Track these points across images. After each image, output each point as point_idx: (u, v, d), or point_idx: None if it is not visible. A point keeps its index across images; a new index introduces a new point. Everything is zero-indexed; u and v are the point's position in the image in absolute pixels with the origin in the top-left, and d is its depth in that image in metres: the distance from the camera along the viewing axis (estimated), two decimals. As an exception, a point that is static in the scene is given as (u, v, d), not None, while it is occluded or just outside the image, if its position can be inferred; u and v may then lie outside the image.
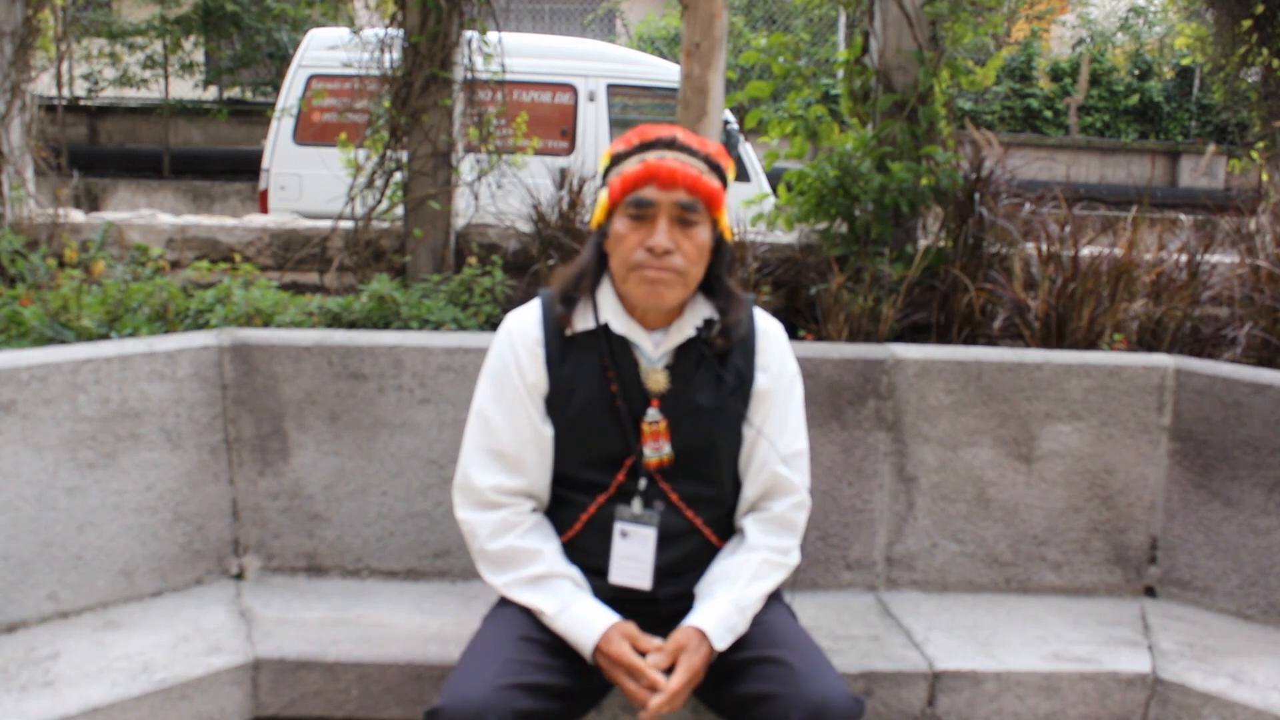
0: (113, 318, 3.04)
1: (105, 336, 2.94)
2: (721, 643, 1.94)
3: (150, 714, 2.14)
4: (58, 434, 2.41)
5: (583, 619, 1.95)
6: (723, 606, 1.97)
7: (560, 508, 2.07)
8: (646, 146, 1.97)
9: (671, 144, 1.97)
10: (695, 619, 1.96)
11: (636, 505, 2.01)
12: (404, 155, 3.86)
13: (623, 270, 1.97)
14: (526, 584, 1.99)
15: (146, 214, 4.21)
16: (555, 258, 3.58)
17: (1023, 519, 2.77)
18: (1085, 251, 3.30)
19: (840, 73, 4.13)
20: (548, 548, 2.02)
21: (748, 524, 2.08)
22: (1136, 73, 14.10)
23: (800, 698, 1.84)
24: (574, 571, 2.02)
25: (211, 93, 12.10)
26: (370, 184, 3.89)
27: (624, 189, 1.95)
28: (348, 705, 2.28)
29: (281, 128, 6.80)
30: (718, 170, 1.99)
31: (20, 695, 2.09)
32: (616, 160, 2.00)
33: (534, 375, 2.03)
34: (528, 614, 2.03)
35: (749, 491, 2.08)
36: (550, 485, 2.07)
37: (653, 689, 1.89)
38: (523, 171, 4.09)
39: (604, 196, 2.01)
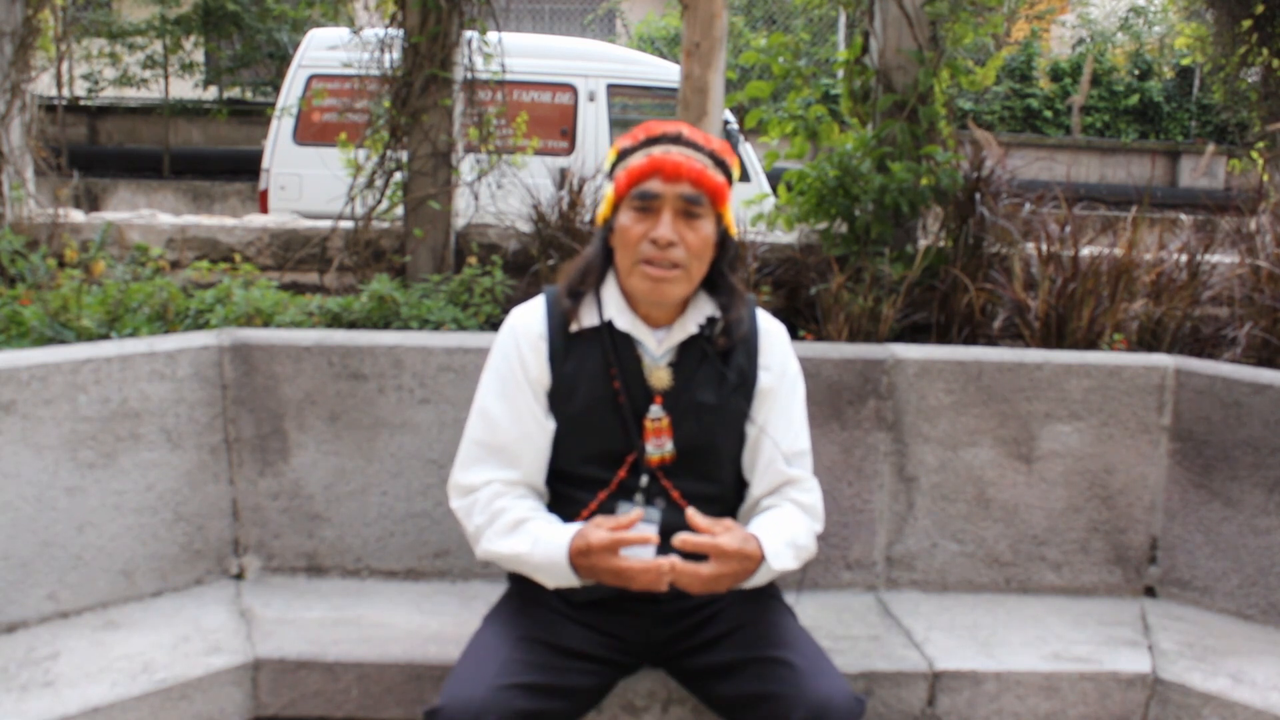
0: (113, 318, 3.04)
1: (105, 336, 2.94)
2: (775, 559, 1.91)
3: (150, 714, 2.14)
4: (58, 434, 2.41)
5: (549, 539, 1.91)
6: (773, 538, 1.95)
7: (561, 504, 2.07)
8: (652, 141, 1.99)
9: (677, 139, 1.98)
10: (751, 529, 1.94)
11: (638, 502, 2.01)
12: (404, 155, 3.86)
13: (628, 263, 1.98)
14: (502, 532, 1.97)
15: (146, 214, 4.21)
16: (555, 258, 3.58)
17: (1023, 519, 2.77)
18: (1085, 251, 3.30)
19: (840, 73, 4.13)
20: (528, 503, 2.00)
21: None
22: (1136, 73, 14.10)
23: (802, 698, 1.84)
24: (551, 517, 1.99)
25: (211, 93, 12.10)
26: (370, 184, 3.89)
27: (629, 182, 1.97)
28: (348, 705, 2.27)
29: (281, 128, 6.80)
30: (722, 166, 2.01)
31: (20, 695, 2.09)
32: (622, 155, 2.02)
33: (537, 370, 2.03)
34: (528, 614, 2.04)
35: (756, 490, 2.08)
36: (547, 482, 2.07)
37: (656, 570, 1.83)
38: (523, 171, 4.09)
39: (610, 191, 2.02)
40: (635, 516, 1.88)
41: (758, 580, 1.94)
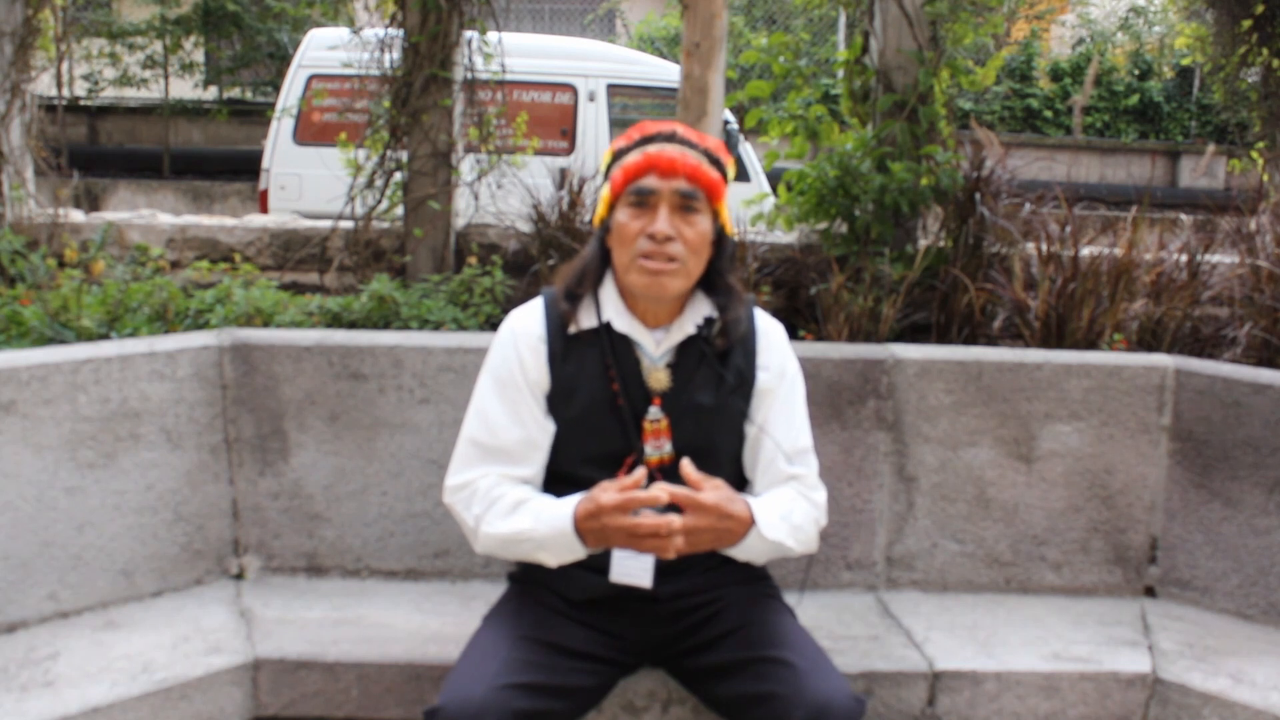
0: (113, 318, 3.04)
1: (105, 336, 2.94)
2: (768, 527, 1.92)
3: (150, 714, 2.14)
4: (58, 434, 2.41)
5: (552, 511, 1.92)
6: (767, 509, 1.96)
7: (559, 506, 2.07)
8: (647, 140, 2.00)
9: (672, 137, 1.99)
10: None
11: None
12: (404, 155, 3.86)
13: (625, 260, 1.98)
14: (502, 514, 1.97)
15: (146, 214, 4.21)
16: (555, 258, 3.58)
17: (1023, 519, 2.77)
18: (1085, 251, 3.30)
19: (840, 73, 4.14)
20: (527, 489, 2.01)
21: None
22: (1136, 73, 14.10)
23: (802, 698, 1.84)
24: (550, 497, 1.99)
25: (211, 93, 12.11)
26: (370, 184, 3.89)
27: (625, 180, 1.97)
28: (348, 705, 2.27)
29: (281, 128, 6.80)
30: (718, 164, 2.01)
31: (20, 695, 2.09)
32: (618, 156, 2.03)
33: (536, 373, 2.03)
34: (528, 613, 2.04)
35: (758, 489, 2.08)
36: (545, 484, 2.07)
37: (666, 530, 1.82)
38: (523, 171, 4.09)
39: (606, 191, 2.02)
40: (641, 476, 1.87)
41: (751, 549, 1.94)
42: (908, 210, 3.64)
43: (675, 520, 1.84)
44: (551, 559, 1.95)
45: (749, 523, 1.90)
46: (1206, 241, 3.48)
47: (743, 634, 2.00)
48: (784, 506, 2.00)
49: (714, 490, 1.88)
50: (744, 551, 1.95)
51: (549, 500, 1.97)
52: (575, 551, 1.92)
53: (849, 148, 3.76)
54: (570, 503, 1.91)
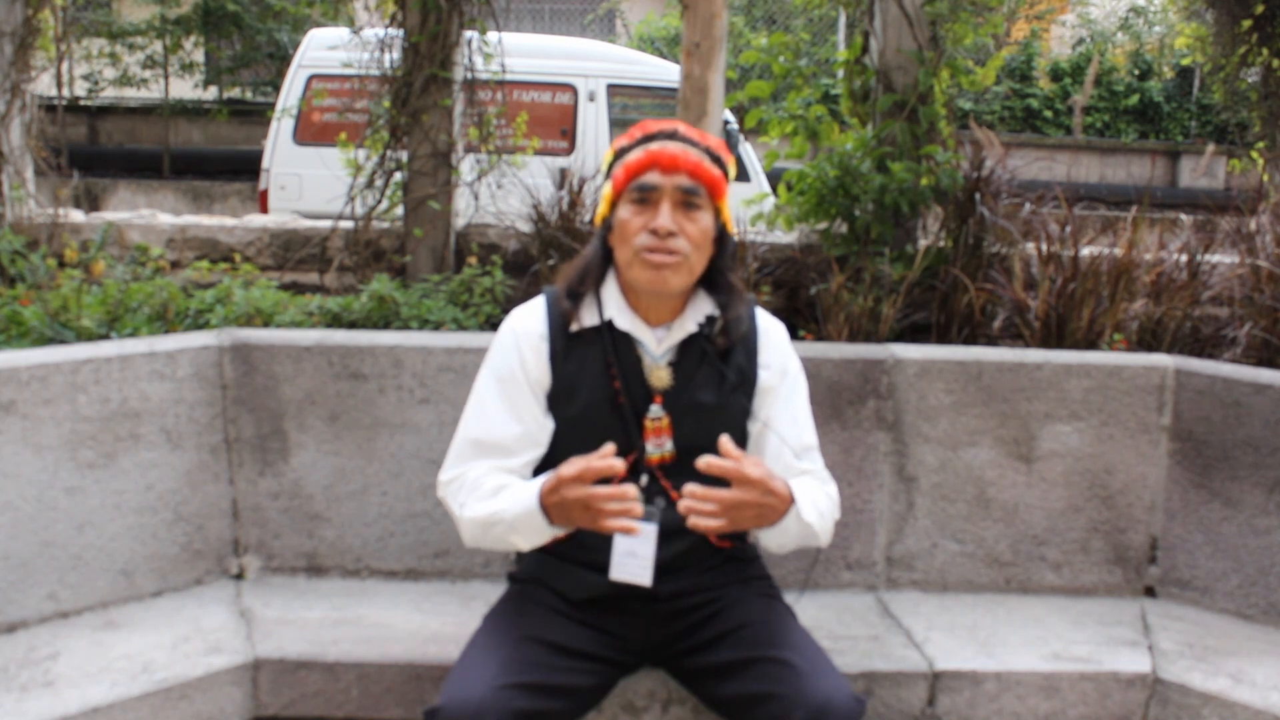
0: (113, 318, 3.04)
1: (105, 336, 2.94)
2: (805, 508, 1.92)
3: (150, 714, 2.14)
4: (58, 434, 2.41)
5: (523, 490, 1.92)
6: (802, 492, 1.95)
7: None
8: (649, 138, 2.01)
9: (673, 135, 2.00)
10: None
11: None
12: (404, 155, 3.86)
13: (627, 255, 1.98)
14: (483, 498, 1.97)
15: (146, 214, 4.21)
16: (555, 258, 3.58)
17: (1023, 519, 2.77)
18: (1085, 251, 3.30)
19: (840, 73, 4.14)
20: (511, 477, 2.00)
21: None
22: (1136, 73, 14.10)
23: (802, 697, 1.84)
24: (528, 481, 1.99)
25: (211, 93, 12.11)
26: (370, 184, 3.89)
27: (627, 177, 1.98)
28: (348, 705, 2.27)
29: (281, 128, 6.80)
30: (719, 162, 2.02)
31: (20, 695, 2.09)
32: (620, 154, 2.04)
33: (537, 371, 2.04)
34: (528, 613, 2.04)
35: None
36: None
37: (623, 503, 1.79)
38: (523, 171, 4.09)
39: (608, 189, 2.03)
40: (610, 449, 1.83)
41: (787, 531, 1.92)
42: (908, 210, 3.64)
43: (631, 489, 1.81)
44: (523, 541, 1.95)
45: (790, 501, 1.89)
46: (1206, 241, 3.48)
47: (743, 634, 2.00)
48: (811, 493, 2.00)
49: (755, 466, 1.86)
50: (779, 534, 1.94)
51: (526, 483, 1.96)
52: (541, 530, 1.91)
53: (849, 148, 3.76)
54: (538, 480, 1.91)
